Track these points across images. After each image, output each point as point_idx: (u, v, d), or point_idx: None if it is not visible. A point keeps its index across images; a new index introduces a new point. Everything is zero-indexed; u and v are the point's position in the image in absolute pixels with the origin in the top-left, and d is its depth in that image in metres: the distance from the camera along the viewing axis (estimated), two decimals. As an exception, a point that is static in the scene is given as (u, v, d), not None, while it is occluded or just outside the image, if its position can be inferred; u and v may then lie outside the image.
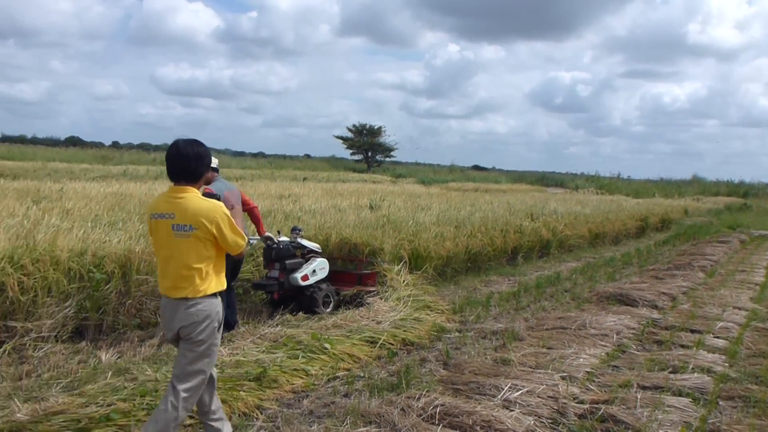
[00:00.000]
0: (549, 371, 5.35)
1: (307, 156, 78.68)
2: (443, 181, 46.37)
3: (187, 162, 3.57)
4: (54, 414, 4.05)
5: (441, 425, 4.21)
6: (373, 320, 6.82)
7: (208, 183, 6.14)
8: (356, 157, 69.64)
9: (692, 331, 7.09)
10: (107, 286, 6.25)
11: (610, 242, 16.93)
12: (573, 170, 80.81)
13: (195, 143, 3.64)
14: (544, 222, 14.37)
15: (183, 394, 3.53)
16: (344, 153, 71.93)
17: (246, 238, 3.78)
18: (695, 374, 5.47)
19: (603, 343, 6.48)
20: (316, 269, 7.60)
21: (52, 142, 67.54)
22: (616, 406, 4.64)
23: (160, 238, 3.59)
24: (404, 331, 6.65)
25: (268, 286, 7.35)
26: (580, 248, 15.17)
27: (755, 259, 14.09)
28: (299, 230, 7.70)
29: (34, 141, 67.58)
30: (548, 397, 4.76)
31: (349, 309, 7.43)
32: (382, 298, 7.68)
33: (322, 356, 5.63)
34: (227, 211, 3.62)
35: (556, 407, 4.63)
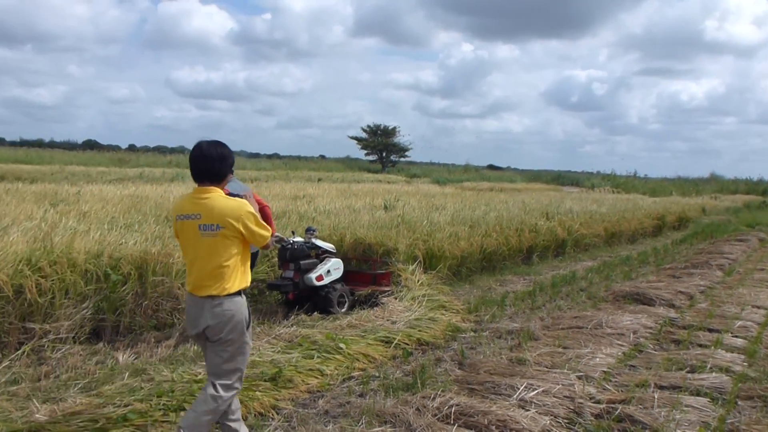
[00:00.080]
0: (565, 371, 5.32)
1: (322, 157, 78.82)
2: (458, 180, 46.24)
3: (210, 163, 3.64)
4: (72, 414, 4.09)
5: (456, 425, 4.21)
6: (387, 320, 6.83)
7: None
8: (371, 158, 69.69)
9: (710, 330, 7.03)
10: (124, 288, 6.29)
11: (626, 241, 16.81)
12: (589, 169, 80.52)
13: (218, 144, 3.71)
14: (559, 221, 14.30)
15: (221, 390, 3.65)
16: (359, 153, 72.06)
17: (270, 229, 3.84)
18: (713, 374, 5.42)
19: (619, 342, 6.44)
20: (331, 269, 7.61)
21: (69, 146, 68.15)
22: (633, 406, 4.61)
23: (187, 238, 3.66)
24: (419, 330, 6.65)
25: (283, 286, 7.37)
26: (595, 247, 15.08)
27: (774, 257, 13.93)
28: (314, 231, 7.72)
29: (52, 145, 68.30)
30: (564, 396, 4.73)
31: (364, 309, 7.44)
32: (396, 298, 7.68)
33: (337, 356, 5.64)
34: (251, 208, 3.69)
35: (572, 407, 4.60)
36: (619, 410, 4.52)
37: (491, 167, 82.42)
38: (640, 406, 4.61)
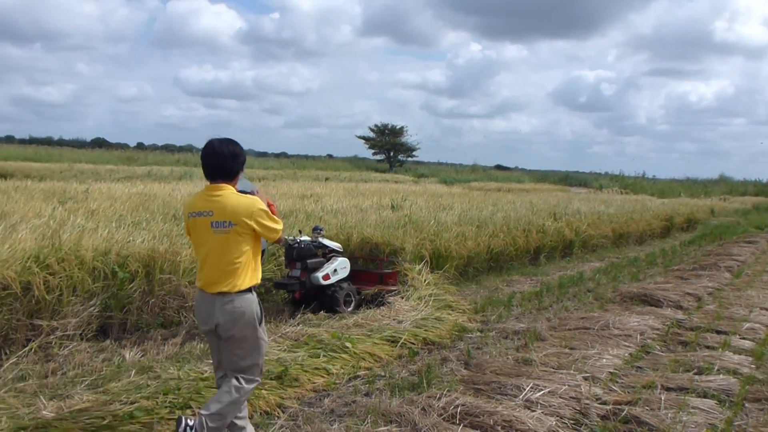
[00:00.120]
0: (571, 372, 5.31)
1: (330, 156, 78.82)
2: (465, 180, 46.19)
3: (223, 160, 3.67)
4: (79, 411, 4.11)
5: (462, 425, 4.20)
6: (394, 319, 6.83)
7: None
8: (378, 157, 69.72)
9: (718, 332, 7.00)
10: (131, 285, 6.32)
11: (634, 242, 16.75)
12: (597, 170, 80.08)
13: (230, 142, 3.74)
14: (567, 222, 14.27)
15: (244, 383, 3.74)
16: (366, 153, 72.15)
17: (282, 222, 3.87)
18: (721, 376, 5.39)
19: (626, 343, 6.41)
20: (338, 268, 7.61)
21: (78, 144, 68.45)
22: (640, 408, 4.59)
23: (199, 235, 3.69)
24: (425, 330, 6.64)
25: (289, 285, 7.38)
26: (603, 248, 15.03)
27: (783, 259, 13.86)
28: (320, 230, 7.72)
29: (61, 143, 68.52)
30: (570, 397, 4.72)
31: (370, 308, 7.44)
32: (403, 298, 7.68)
33: (343, 355, 5.64)
34: (263, 205, 3.71)
35: (578, 408, 4.59)
36: (625, 411, 4.51)
37: (499, 167, 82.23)
38: (647, 408, 4.59)
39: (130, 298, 6.33)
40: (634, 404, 4.67)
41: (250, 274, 3.72)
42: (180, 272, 6.71)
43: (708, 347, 6.42)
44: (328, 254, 7.77)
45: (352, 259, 8.20)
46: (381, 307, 7.39)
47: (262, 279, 7.59)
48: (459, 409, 4.36)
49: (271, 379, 4.90)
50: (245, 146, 3.87)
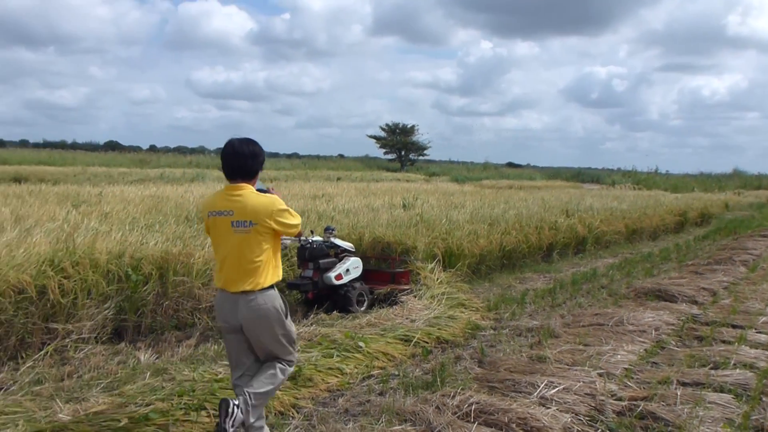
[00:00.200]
0: (586, 368, 5.28)
1: (341, 156, 78.90)
2: (477, 178, 46.14)
3: (243, 160, 3.70)
4: (95, 414, 4.13)
5: (476, 423, 4.19)
6: (407, 318, 6.82)
7: None
8: (389, 156, 69.71)
9: (734, 327, 6.95)
10: (145, 288, 6.35)
11: (647, 238, 16.65)
12: (609, 166, 79.75)
13: (249, 142, 3.77)
14: (579, 218, 14.20)
15: (285, 364, 3.89)
16: (377, 152, 72.12)
17: (299, 217, 3.91)
18: (737, 370, 5.35)
19: (641, 339, 6.38)
20: (350, 268, 7.62)
21: (91, 147, 68.89)
22: (656, 403, 4.56)
23: (219, 234, 3.71)
24: (438, 329, 6.63)
25: (302, 285, 7.39)
26: (616, 244, 14.95)
27: (799, 252, 13.72)
28: (332, 230, 7.73)
29: (74, 146, 69.14)
30: (585, 394, 4.70)
31: (383, 308, 7.44)
32: (415, 297, 7.67)
33: (356, 355, 5.65)
34: (282, 204, 3.74)
35: (593, 404, 4.57)
36: (641, 407, 4.48)
37: (510, 165, 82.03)
38: (663, 403, 4.56)
39: (144, 300, 6.37)
40: (650, 400, 4.64)
41: (272, 271, 3.75)
42: (193, 274, 6.73)
43: (724, 342, 6.37)
44: (341, 254, 7.78)
45: (365, 259, 8.21)
46: (394, 307, 7.39)
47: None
48: (473, 407, 4.35)
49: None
50: (256, 147, 3.87)
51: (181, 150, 68.25)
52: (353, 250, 7.97)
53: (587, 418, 4.38)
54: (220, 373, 4.94)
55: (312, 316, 7.17)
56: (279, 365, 3.84)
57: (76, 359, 5.52)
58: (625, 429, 4.27)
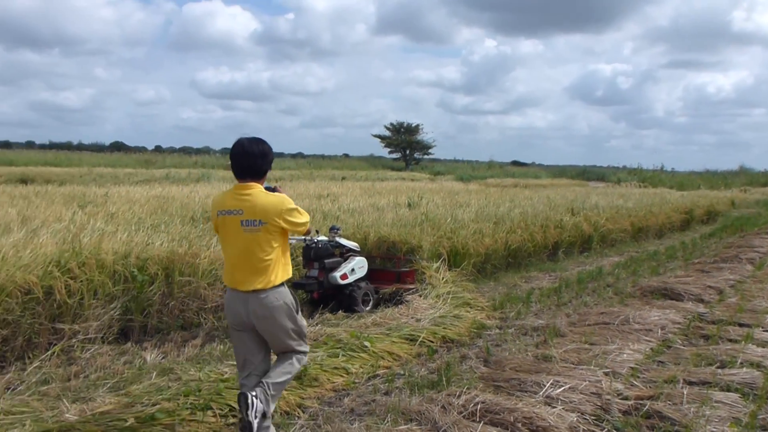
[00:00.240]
0: (592, 367, 5.28)
1: (346, 155, 78.88)
2: (482, 177, 46.08)
3: (252, 159, 3.72)
4: (101, 414, 4.15)
5: (482, 422, 4.19)
6: (412, 318, 6.82)
7: None
8: (394, 156, 69.73)
9: (740, 325, 6.92)
10: (151, 288, 6.37)
11: (653, 236, 16.59)
12: (614, 163, 79.33)
13: (258, 141, 3.79)
14: (585, 216, 14.17)
15: (301, 354, 3.97)
16: (382, 152, 72.16)
17: (308, 215, 3.94)
18: (744, 369, 5.33)
19: (647, 338, 6.36)
20: (355, 268, 7.62)
21: (97, 148, 69.11)
22: (662, 402, 4.55)
23: (229, 233, 3.73)
24: (444, 328, 6.63)
25: (307, 285, 7.40)
26: (622, 242, 14.91)
27: (806, 250, 13.66)
28: (338, 229, 7.74)
29: (80, 147, 69.38)
30: (591, 393, 4.69)
31: (389, 307, 7.45)
32: (421, 296, 7.67)
33: (362, 354, 5.65)
34: (291, 203, 3.77)
35: (599, 403, 4.56)
36: (647, 406, 4.47)
37: (515, 163, 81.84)
38: (669, 402, 4.55)
39: (150, 300, 6.38)
40: (656, 399, 4.63)
41: (281, 269, 3.78)
42: (199, 274, 6.75)
43: (730, 340, 6.35)
44: (346, 254, 7.78)
45: (370, 258, 8.21)
46: (399, 306, 7.39)
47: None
48: (479, 406, 4.35)
49: (290, 379, 4.91)
50: (262, 147, 3.88)
51: (186, 150, 68.39)
52: (358, 249, 7.98)
53: (593, 418, 4.37)
54: (226, 372, 4.95)
55: (317, 315, 7.17)
56: (295, 356, 3.91)
57: (82, 359, 5.54)
58: (632, 428, 4.27)
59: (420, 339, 6.21)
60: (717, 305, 7.99)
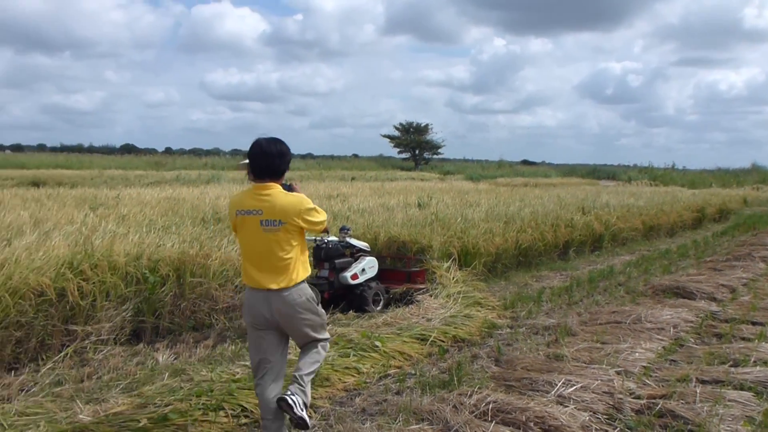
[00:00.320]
0: (604, 366, 5.26)
1: (355, 156, 79.02)
2: (492, 176, 45.99)
3: (271, 159, 3.75)
4: (115, 415, 4.17)
5: (494, 422, 4.18)
6: (423, 318, 6.82)
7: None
8: (404, 156, 69.72)
9: (753, 324, 6.88)
10: (162, 289, 6.39)
11: (665, 234, 16.51)
12: (625, 162, 79.03)
13: (276, 141, 3.81)
14: (596, 215, 14.12)
15: (326, 342, 4.04)
16: (392, 152, 72.20)
17: (325, 213, 3.98)
18: (757, 367, 5.30)
19: (659, 337, 6.33)
20: (366, 268, 7.62)
21: (107, 150, 69.63)
22: (675, 401, 4.53)
23: (248, 233, 3.76)
24: (455, 327, 6.62)
25: (318, 285, 7.39)
26: (633, 241, 14.85)
27: (820, 247, 13.55)
28: (348, 229, 7.74)
29: (91, 150, 69.73)
30: (603, 392, 4.67)
31: (399, 307, 7.45)
32: (431, 296, 7.67)
33: (373, 354, 5.65)
34: (310, 203, 3.81)
35: (611, 403, 4.54)
36: (660, 405, 4.45)
37: (525, 162, 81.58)
38: (682, 401, 4.53)
39: (161, 301, 6.41)
40: (669, 398, 4.61)
41: (301, 267, 3.82)
42: (210, 275, 6.77)
43: (743, 339, 6.32)
44: (356, 254, 7.79)
45: (380, 258, 8.21)
46: (410, 306, 7.39)
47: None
48: (491, 406, 4.34)
49: (302, 379, 4.91)
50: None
51: (196, 152, 68.75)
52: (369, 249, 7.98)
53: (605, 417, 4.36)
54: (238, 373, 4.97)
55: (328, 315, 7.17)
56: (319, 344, 3.98)
57: (95, 360, 5.57)
58: (644, 427, 4.25)
59: (431, 339, 6.21)
60: (730, 304, 7.95)
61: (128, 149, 73.02)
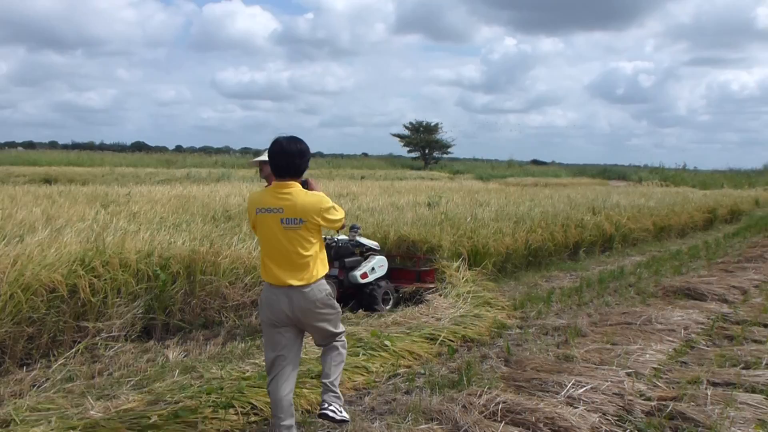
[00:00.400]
0: (614, 367, 5.24)
1: (365, 155, 78.99)
2: (501, 176, 45.91)
3: (291, 158, 3.80)
4: (125, 411, 4.19)
5: (503, 422, 4.17)
6: (432, 317, 6.82)
7: (268, 180, 6.17)
8: (413, 155, 69.57)
9: (765, 326, 6.84)
10: (173, 287, 6.42)
11: (676, 235, 16.43)
12: (636, 162, 78.78)
13: (296, 140, 3.87)
14: (606, 216, 14.07)
15: (340, 342, 4.09)
16: (401, 151, 72.03)
17: (343, 210, 4.04)
18: (769, 370, 5.27)
19: (670, 338, 6.31)
20: (375, 267, 7.63)
21: (119, 148, 69.91)
22: (685, 403, 4.51)
23: (268, 231, 3.80)
24: (464, 327, 6.62)
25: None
26: (644, 242, 14.78)
27: (832, 249, 13.44)
28: (357, 228, 7.75)
29: (102, 147, 70.21)
30: (613, 393, 4.66)
31: (409, 306, 7.45)
32: (441, 295, 7.67)
33: (382, 353, 5.66)
34: (329, 201, 3.87)
35: (621, 404, 4.52)
36: (670, 407, 4.43)
37: (535, 162, 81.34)
38: (693, 404, 4.51)
39: (172, 299, 6.44)
40: (680, 400, 4.59)
41: (320, 265, 3.88)
42: (220, 273, 6.79)
43: (755, 341, 6.28)
44: (366, 253, 7.79)
45: (390, 257, 8.21)
46: (419, 305, 7.39)
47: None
48: (500, 406, 4.33)
49: (311, 377, 4.93)
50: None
51: (206, 150, 68.98)
52: (378, 248, 7.98)
53: (616, 418, 4.35)
54: (248, 371, 4.99)
55: (338, 314, 7.18)
56: (338, 344, 4.06)
57: (106, 357, 5.60)
58: (655, 429, 4.23)
59: (440, 338, 6.21)
60: (741, 305, 7.90)
61: (139, 147, 73.29)
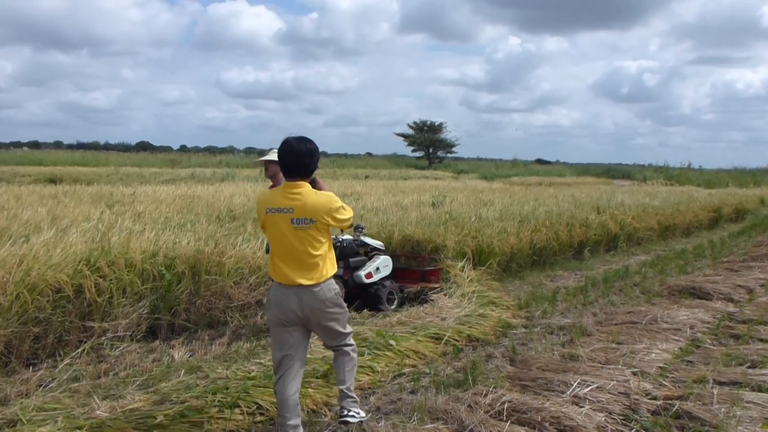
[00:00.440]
0: (619, 367, 5.23)
1: (369, 154, 79.05)
2: (506, 175, 45.85)
3: (300, 159, 3.83)
4: (131, 411, 4.20)
5: (509, 422, 4.17)
6: (437, 317, 6.81)
7: (273, 180, 6.17)
8: (417, 154, 69.54)
9: (771, 325, 6.81)
10: (178, 287, 6.43)
11: (681, 234, 16.38)
12: (640, 161, 78.65)
13: (305, 140, 3.89)
14: (611, 215, 14.03)
15: (352, 346, 4.19)
16: (405, 150, 72.03)
17: (351, 209, 4.06)
18: (775, 369, 5.25)
19: (676, 337, 6.29)
20: (380, 267, 7.63)
21: (123, 148, 70.10)
22: (691, 402, 4.50)
23: (278, 230, 3.82)
24: (469, 327, 6.61)
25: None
26: (649, 241, 14.75)
27: (838, 248, 13.39)
28: (362, 228, 7.74)
29: (107, 147, 70.43)
30: (619, 393, 4.65)
31: (413, 306, 7.45)
32: (446, 295, 7.66)
33: (387, 353, 5.66)
34: (339, 201, 3.90)
35: (627, 403, 4.52)
36: (676, 406, 4.42)
37: (539, 161, 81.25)
38: (699, 403, 4.49)
39: (177, 299, 6.45)
40: (686, 399, 4.58)
41: (329, 264, 3.91)
42: (225, 273, 6.80)
43: (761, 340, 6.26)
44: (371, 252, 7.79)
45: (394, 257, 8.21)
46: (424, 305, 7.39)
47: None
48: (506, 405, 4.33)
49: (317, 377, 4.94)
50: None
51: (211, 150, 69.15)
52: (383, 248, 7.98)
53: (621, 418, 4.34)
54: (253, 371, 4.99)
55: (343, 314, 7.18)
56: (347, 349, 4.15)
57: (112, 357, 5.62)
58: (661, 428, 4.22)
59: (445, 338, 6.21)
60: (747, 304, 7.88)
61: (144, 147, 73.45)
